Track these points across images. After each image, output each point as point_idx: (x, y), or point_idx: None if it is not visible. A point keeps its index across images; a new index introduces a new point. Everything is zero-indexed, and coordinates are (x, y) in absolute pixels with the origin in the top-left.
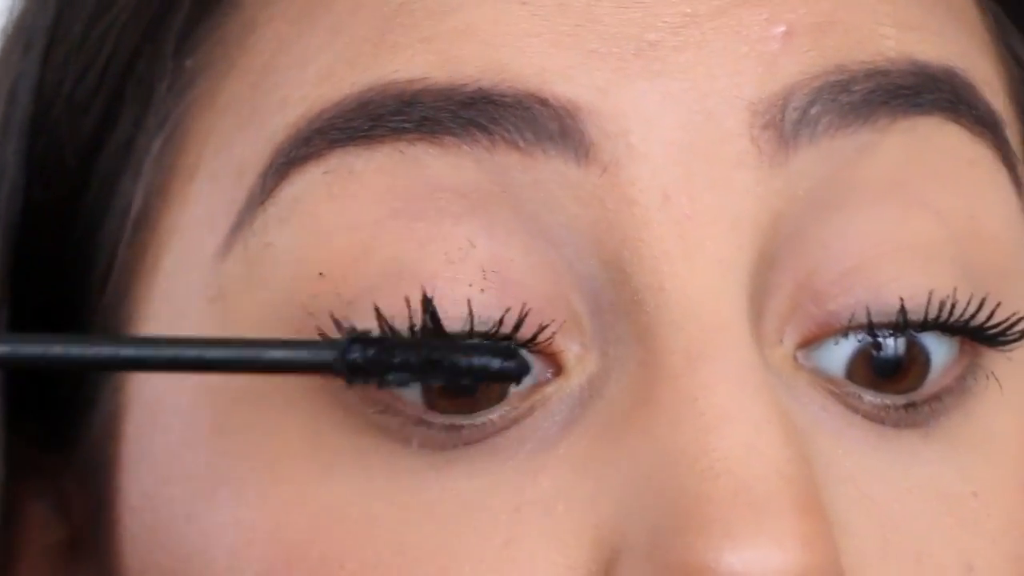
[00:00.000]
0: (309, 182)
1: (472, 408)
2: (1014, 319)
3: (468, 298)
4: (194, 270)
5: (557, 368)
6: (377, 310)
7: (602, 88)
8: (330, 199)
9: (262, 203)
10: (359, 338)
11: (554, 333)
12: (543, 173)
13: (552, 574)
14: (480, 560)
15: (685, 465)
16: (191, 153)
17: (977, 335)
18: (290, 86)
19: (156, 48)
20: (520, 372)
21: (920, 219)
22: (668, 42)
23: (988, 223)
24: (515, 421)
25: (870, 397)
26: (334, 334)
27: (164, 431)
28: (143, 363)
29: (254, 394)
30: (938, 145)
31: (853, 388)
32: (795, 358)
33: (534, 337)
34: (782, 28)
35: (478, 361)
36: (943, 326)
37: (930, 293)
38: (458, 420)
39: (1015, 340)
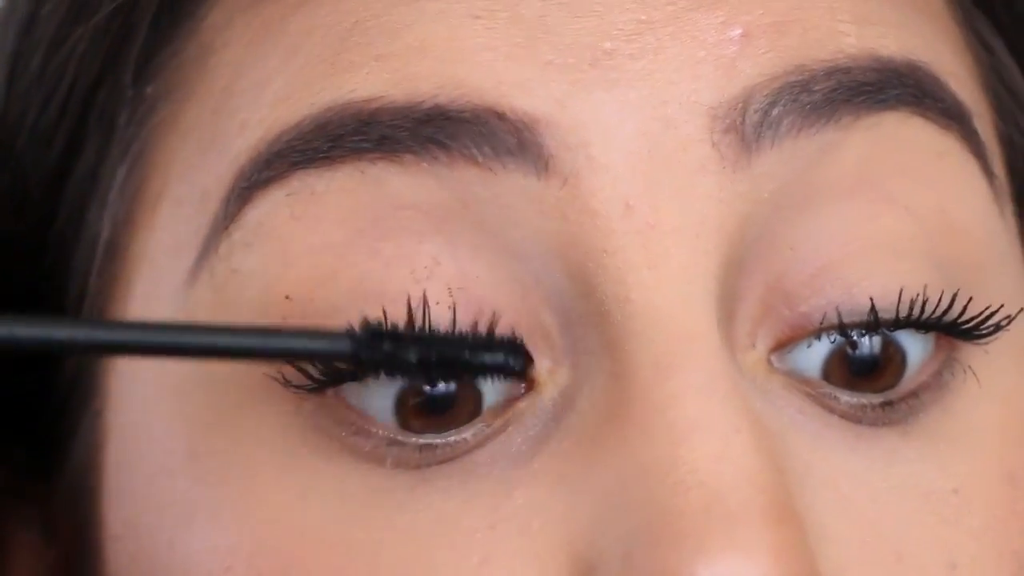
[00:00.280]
0: (272, 205)
1: (445, 426)
2: (988, 312)
3: (435, 316)
4: (164, 297)
5: (529, 383)
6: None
7: (559, 100)
8: (293, 222)
9: (226, 228)
10: (374, 332)
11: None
12: (504, 187)
13: None
14: None
15: (656, 478)
16: (155, 180)
17: (952, 330)
18: (249, 109)
19: (116, 77)
20: (525, 367)
21: (888, 215)
22: (624, 50)
23: (959, 215)
24: (489, 438)
25: (847, 397)
26: (309, 366)
27: (142, 459)
28: (160, 349)
29: (227, 420)
30: (904, 139)
31: (829, 389)
32: (769, 361)
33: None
34: (739, 30)
35: (490, 359)
36: (916, 323)
37: (901, 290)
38: (432, 439)
39: (990, 333)
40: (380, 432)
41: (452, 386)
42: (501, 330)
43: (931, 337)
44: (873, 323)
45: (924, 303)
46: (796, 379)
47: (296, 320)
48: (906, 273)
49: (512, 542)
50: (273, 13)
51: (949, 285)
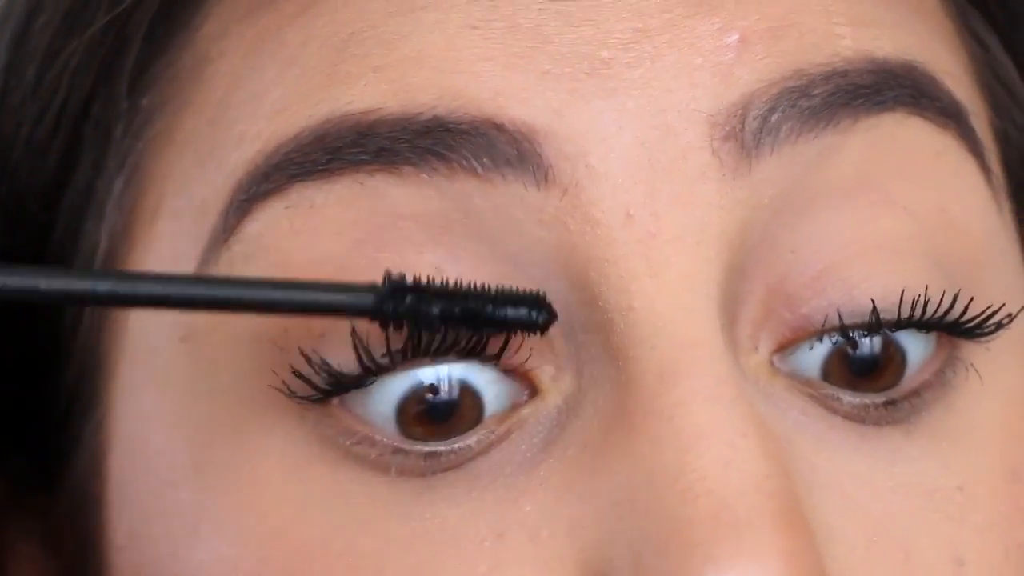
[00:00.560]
0: (271, 218)
1: (448, 434)
2: (990, 311)
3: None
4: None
5: (533, 390)
6: (354, 334)
7: (557, 110)
8: (293, 234)
9: (225, 241)
10: (397, 285)
11: (529, 355)
12: (504, 198)
13: None
14: None
15: (665, 486)
16: (152, 193)
17: (953, 329)
18: (246, 121)
19: (110, 89)
20: (548, 322)
21: (888, 216)
22: (621, 59)
23: (959, 214)
24: (493, 445)
25: (849, 397)
26: (306, 369)
27: (146, 470)
28: (186, 301)
29: (231, 431)
30: (903, 140)
31: (831, 389)
32: (772, 363)
33: (502, 352)
34: (735, 36)
35: (513, 313)
36: (918, 323)
37: (902, 291)
38: (435, 447)
39: (992, 332)
40: (384, 441)
41: (455, 393)
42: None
43: (932, 336)
44: (875, 324)
45: (926, 303)
46: (798, 380)
47: (298, 330)
48: (907, 273)
49: (521, 550)
50: (269, 24)
51: (950, 284)
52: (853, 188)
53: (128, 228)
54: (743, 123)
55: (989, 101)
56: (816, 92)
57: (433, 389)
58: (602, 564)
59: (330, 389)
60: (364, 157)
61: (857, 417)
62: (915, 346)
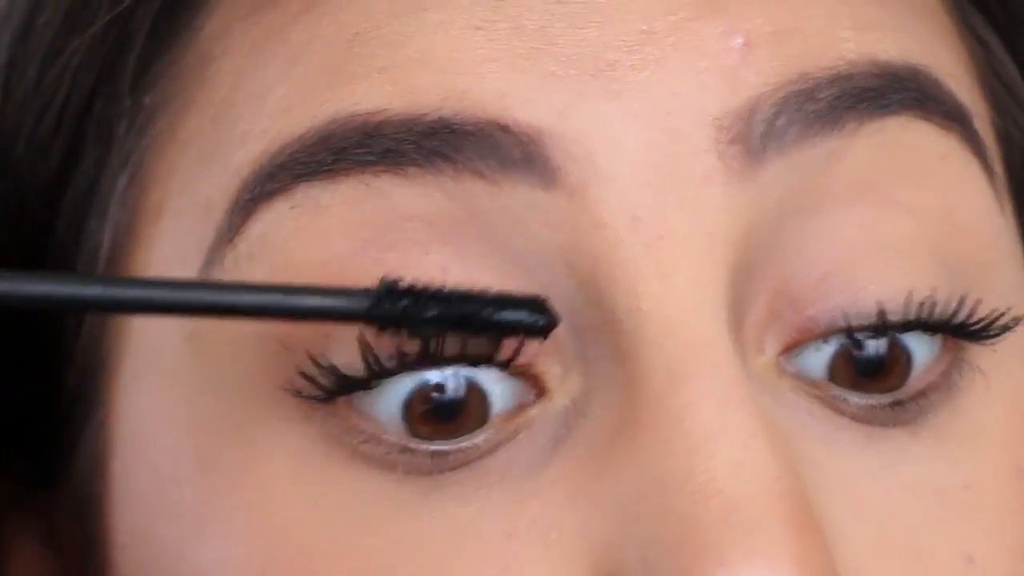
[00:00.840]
0: (276, 218)
1: (454, 433)
2: (995, 314)
3: None
4: None
5: (540, 390)
6: (360, 339)
7: (563, 111)
8: (298, 234)
9: (230, 240)
10: (392, 288)
11: (536, 354)
12: (510, 199)
13: None
14: None
15: (675, 488)
16: (156, 191)
17: (960, 332)
18: (250, 120)
19: (113, 87)
20: (550, 326)
21: (894, 219)
22: (626, 61)
23: (964, 216)
24: (500, 444)
25: (855, 398)
26: (312, 370)
27: (150, 468)
28: (176, 307)
29: (237, 430)
30: (907, 143)
31: (838, 391)
32: (778, 364)
33: (515, 356)
34: (740, 39)
35: (509, 316)
36: (924, 326)
37: (909, 293)
38: (442, 446)
39: (998, 334)
40: (390, 439)
41: (461, 392)
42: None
43: (938, 338)
44: (881, 326)
45: (933, 306)
46: (804, 382)
47: (304, 331)
48: (914, 276)
49: (531, 551)
50: (272, 22)
51: (957, 287)
52: (858, 191)
53: (131, 226)
54: (749, 126)
55: (990, 101)
56: (821, 96)
57: (439, 388)
58: (612, 566)
59: (336, 389)
60: (370, 158)
61: (864, 418)
62: (920, 348)
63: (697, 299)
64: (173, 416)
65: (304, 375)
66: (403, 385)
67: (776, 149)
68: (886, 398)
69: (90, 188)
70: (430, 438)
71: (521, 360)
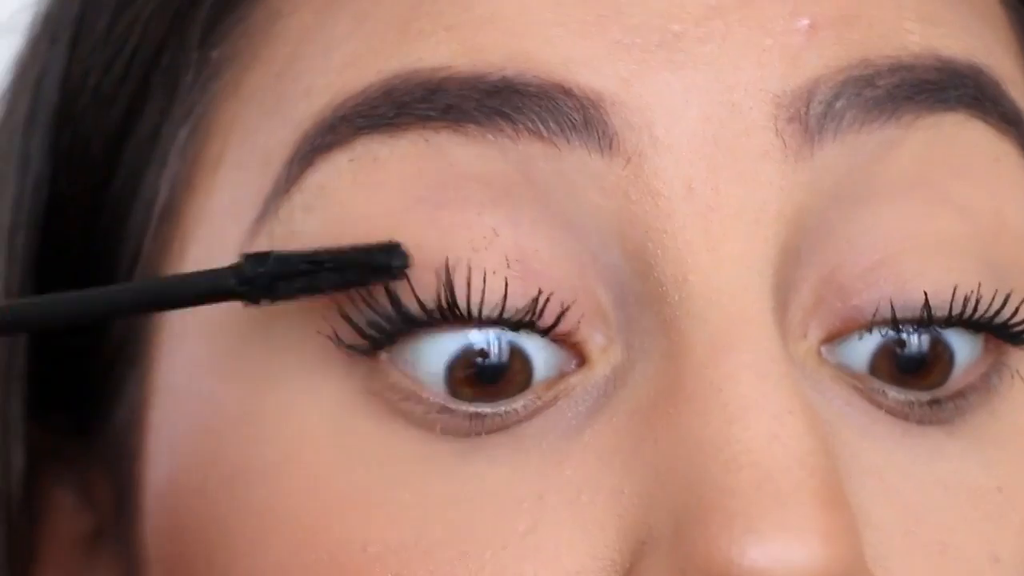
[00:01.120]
0: (334, 170)
1: (495, 396)
2: None
3: (491, 285)
4: (220, 259)
5: (581, 359)
6: (388, 290)
7: (626, 79)
8: (355, 187)
9: (287, 191)
10: (251, 256)
11: (579, 321)
12: (567, 163)
13: (575, 562)
14: (502, 546)
15: (709, 456)
16: (216, 143)
17: (1001, 332)
18: (314, 74)
19: (182, 40)
20: (402, 264)
21: (944, 215)
22: (692, 33)
23: (1014, 220)
24: (539, 410)
25: (894, 393)
26: (358, 316)
27: (189, 419)
28: (50, 319)
29: (280, 380)
30: (963, 142)
31: (877, 384)
32: (819, 352)
33: (556, 322)
34: (806, 21)
35: (364, 257)
36: (967, 322)
37: (954, 288)
38: (481, 408)
39: None
40: (431, 399)
41: (504, 357)
42: (555, 305)
43: (980, 339)
44: (925, 319)
45: (977, 302)
46: (844, 372)
47: None
48: (960, 272)
49: (560, 512)
50: None
51: (1002, 287)
52: (911, 184)
53: (190, 176)
54: (808, 107)
55: None
56: (881, 83)
57: (483, 353)
58: (642, 530)
59: (378, 337)
60: (431, 113)
61: (901, 413)
62: (963, 347)
63: (745, 274)
64: (218, 367)
65: (350, 321)
66: (447, 346)
67: (833, 131)
68: (925, 395)
69: (151, 139)
70: (472, 400)
71: (563, 327)
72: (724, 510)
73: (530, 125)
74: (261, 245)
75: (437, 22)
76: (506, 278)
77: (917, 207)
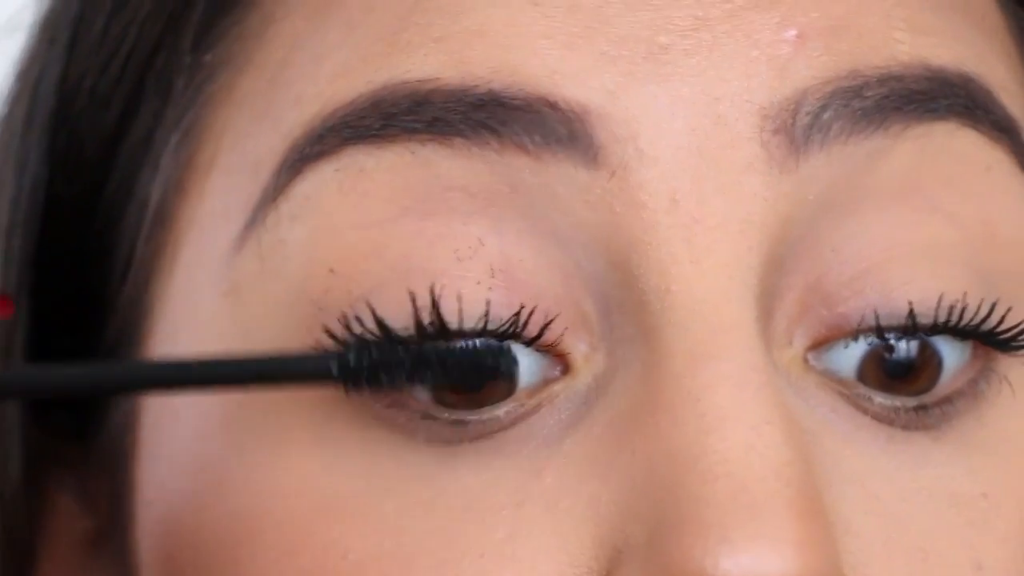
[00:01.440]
0: (321, 179)
1: (479, 404)
2: None
3: (476, 296)
4: (209, 264)
5: (565, 367)
6: (373, 313)
7: (612, 91)
8: (341, 196)
9: (275, 199)
10: (356, 348)
11: (563, 332)
12: (552, 175)
13: (553, 570)
14: (480, 553)
15: (685, 466)
16: (208, 148)
17: (989, 339)
18: (305, 82)
19: (175, 43)
20: (510, 369)
21: (932, 223)
22: (678, 45)
23: (1004, 228)
24: (521, 418)
25: (880, 399)
26: (341, 331)
27: (178, 422)
28: (145, 384)
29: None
30: (953, 150)
31: (863, 390)
32: (805, 360)
33: (541, 334)
34: (794, 32)
35: (471, 357)
36: (953, 330)
37: (940, 296)
38: (465, 415)
39: None
40: (414, 406)
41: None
42: (539, 315)
43: (968, 345)
44: (911, 327)
45: (963, 310)
46: (831, 378)
47: (339, 292)
48: (947, 280)
49: (539, 520)
50: None
51: (989, 294)
52: (899, 193)
53: (182, 181)
54: (794, 118)
55: None
56: (870, 94)
57: None
58: (619, 539)
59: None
60: (417, 125)
61: (887, 419)
62: (951, 353)
63: (727, 284)
64: None
65: (333, 336)
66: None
67: (819, 143)
68: (911, 401)
69: (145, 142)
70: (455, 407)
71: (548, 338)
72: (699, 520)
73: (515, 139)
74: (249, 251)
75: (426, 34)
76: (488, 298)
77: (905, 215)
